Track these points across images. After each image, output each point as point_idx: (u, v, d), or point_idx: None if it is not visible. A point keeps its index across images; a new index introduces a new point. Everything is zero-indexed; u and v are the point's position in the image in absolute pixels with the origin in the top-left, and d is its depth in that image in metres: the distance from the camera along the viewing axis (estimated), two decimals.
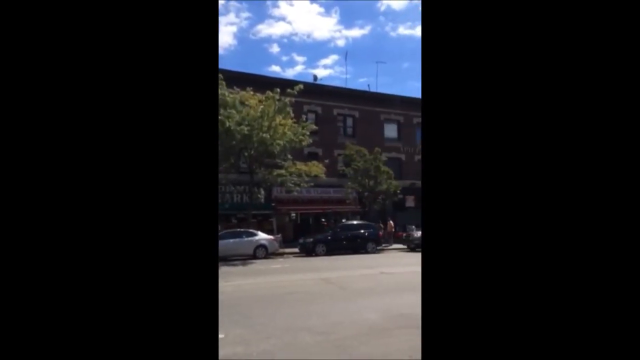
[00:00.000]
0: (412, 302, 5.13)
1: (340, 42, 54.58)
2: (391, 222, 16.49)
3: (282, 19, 53.57)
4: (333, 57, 55.00)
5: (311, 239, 13.22)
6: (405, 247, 14.70)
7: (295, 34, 54.50)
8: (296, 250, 13.42)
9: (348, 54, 58.12)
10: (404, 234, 15.51)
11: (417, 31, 56.33)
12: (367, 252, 13.14)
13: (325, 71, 53.20)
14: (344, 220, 15.73)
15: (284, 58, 52.98)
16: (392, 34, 57.21)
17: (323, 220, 17.89)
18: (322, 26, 53.86)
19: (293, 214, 17.90)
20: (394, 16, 57.49)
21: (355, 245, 13.26)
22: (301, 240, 13.41)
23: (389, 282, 6.97)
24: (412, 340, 3.49)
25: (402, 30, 56.21)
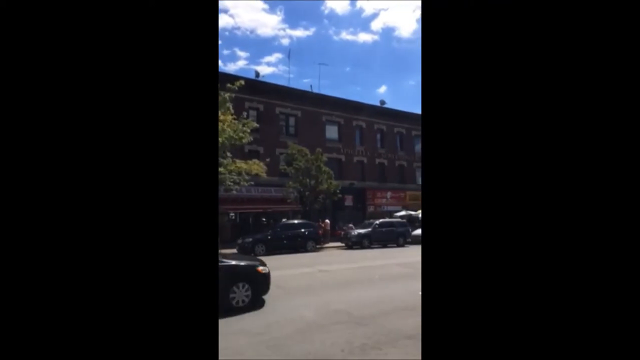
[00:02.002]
0: (347, 298, 5.30)
1: (285, 41, 54.41)
2: (327, 221, 16.82)
3: (224, 11, 51.59)
4: (277, 55, 54.60)
5: (250, 239, 12.92)
6: (344, 245, 15.17)
7: (238, 28, 52.91)
8: (234, 251, 13.00)
9: (292, 53, 58.19)
10: (342, 232, 15.99)
11: (360, 37, 58.56)
12: (307, 250, 13.27)
13: (269, 69, 52.53)
14: (284, 220, 15.65)
15: (225, 52, 51.10)
16: (336, 37, 58.69)
17: (263, 219, 17.61)
18: (267, 23, 53.09)
19: (232, 214, 17.30)
20: (337, 20, 59.03)
21: (295, 244, 13.30)
22: (240, 241, 13.03)
23: (326, 279, 7.12)
24: (347, 334, 3.60)
25: (345, 35, 57.98)
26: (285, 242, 13.21)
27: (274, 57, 54.05)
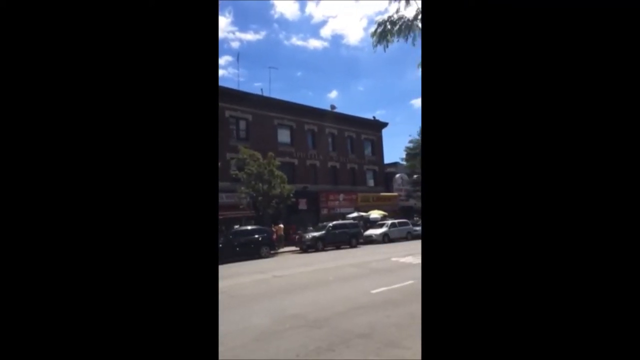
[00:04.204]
0: (302, 302, 5.34)
1: (235, 44, 53.18)
2: (281, 225, 16.73)
3: None
4: (227, 58, 53.19)
5: None
6: (299, 249, 15.21)
7: None
8: None
9: (242, 56, 57.04)
10: (297, 236, 16.03)
11: (310, 43, 59.25)
12: (261, 256, 13.07)
13: (218, 71, 50.83)
14: (236, 226, 15.27)
15: None
16: (286, 42, 58.77)
17: None
18: None
19: None
20: (287, 25, 59.20)
21: (249, 250, 13.03)
22: None
23: (280, 284, 7.09)
24: (302, 338, 3.64)
25: (295, 41, 58.32)
26: (238, 249, 12.89)
27: (223, 60, 52.58)
